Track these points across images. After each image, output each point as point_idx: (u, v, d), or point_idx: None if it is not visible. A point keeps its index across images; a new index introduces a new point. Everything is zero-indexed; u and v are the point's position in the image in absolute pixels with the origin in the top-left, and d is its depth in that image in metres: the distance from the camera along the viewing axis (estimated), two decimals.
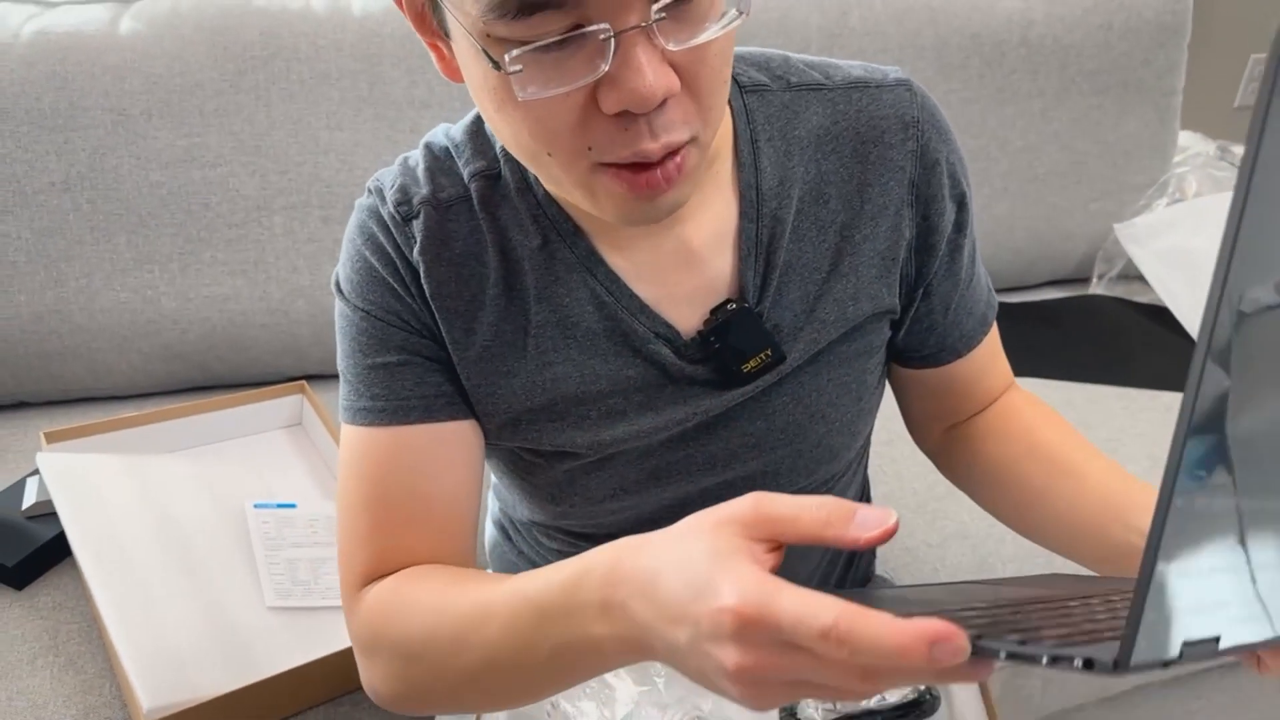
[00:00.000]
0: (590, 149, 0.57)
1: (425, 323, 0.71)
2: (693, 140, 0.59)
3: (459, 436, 0.73)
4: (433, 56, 0.64)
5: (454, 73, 0.63)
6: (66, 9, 1.25)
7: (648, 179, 0.58)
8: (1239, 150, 2.03)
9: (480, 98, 0.60)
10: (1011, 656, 0.37)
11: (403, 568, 0.71)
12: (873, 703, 0.77)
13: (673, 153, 0.58)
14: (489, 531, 1.01)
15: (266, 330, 1.35)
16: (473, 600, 0.62)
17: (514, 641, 0.58)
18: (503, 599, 0.59)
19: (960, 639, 0.38)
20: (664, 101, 0.55)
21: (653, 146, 0.56)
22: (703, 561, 0.47)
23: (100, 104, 1.23)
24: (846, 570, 0.93)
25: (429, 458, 0.72)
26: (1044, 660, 0.35)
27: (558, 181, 0.62)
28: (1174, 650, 0.33)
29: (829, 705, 0.77)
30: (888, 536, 0.45)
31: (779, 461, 0.77)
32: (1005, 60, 1.51)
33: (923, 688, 0.77)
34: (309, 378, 1.36)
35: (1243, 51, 2.70)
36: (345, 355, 0.73)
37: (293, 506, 1.14)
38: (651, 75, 0.53)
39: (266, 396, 1.27)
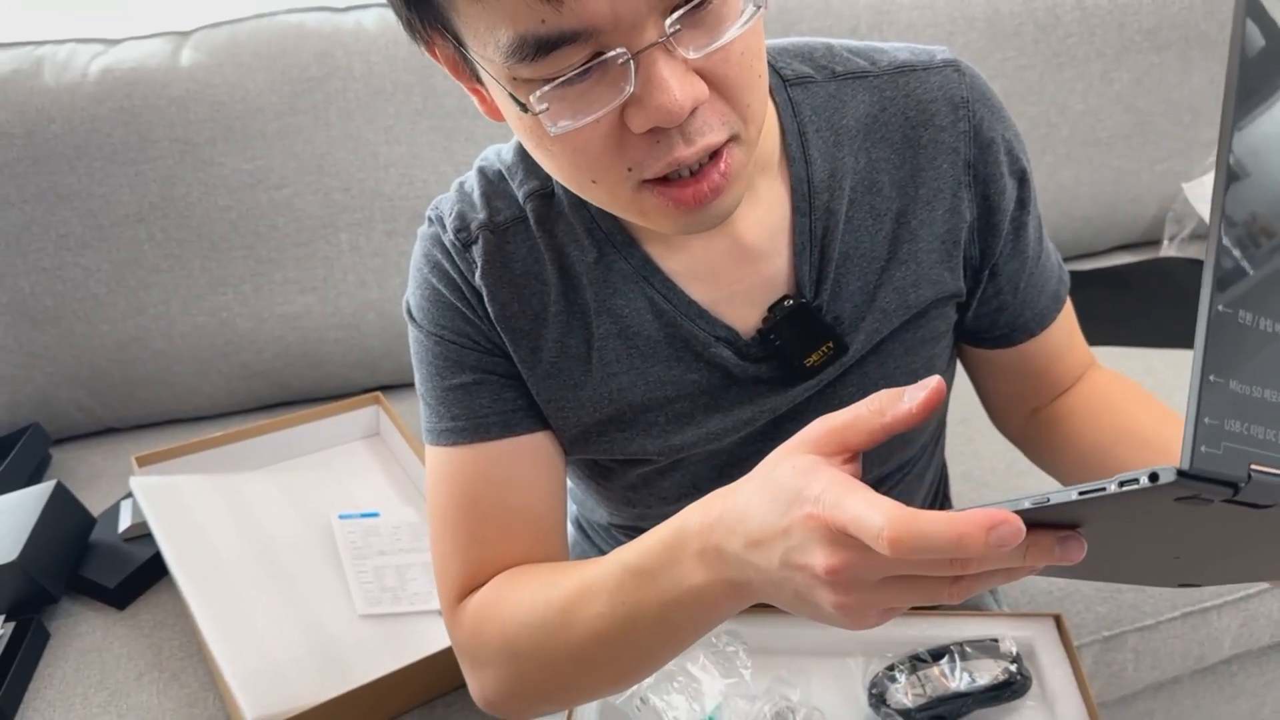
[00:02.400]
0: (630, 170, 0.57)
1: (495, 342, 0.72)
2: (734, 139, 0.58)
3: (539, 447, 0.74)
4: (474, 100, 0.65)
5: (496, 113, 0.63)
6: (130, 45, 1.29)
7: (694, 193, 0.58)
8: None
9: (521, 136, 0.61)
10: (1082, 494, 0.37)
11: (496, 573, 0.72)
12: (963, 685, 0.76)
13: (715, 158, 0.58)
14: (569, 532, 1.02)
15: (339, 345, 1.38)
16: (575, 581, 0.63)
17: (621, 610, 0.59)
18: (605, 573, 0.61)
19: (1014, 520, 0.39)
20: (696, 111, 0.55)
21: (687, 153, 0.56)
22: (785, 479, 0.49)
23: (167, 135, 1.26)
24: None
25: (513, 470, 0.73)
26: (1111, 488, 0.36)
27: (607, 205, 0.63)
28: (1240, 471, 0.34)
29: (919, 690, 0.77)
30: (938, 395, 0.47)
31: None
32: (1060, 24, 1.48)
33: (1013, 668, 0.77)
34: (383, 388, 1.39)
35: None
36: (423, 380, 0.74)
37: (376, 515, 1.16)
38: (677, 89, 0.53)
39: (343, 409, 1.30)
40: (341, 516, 1.15)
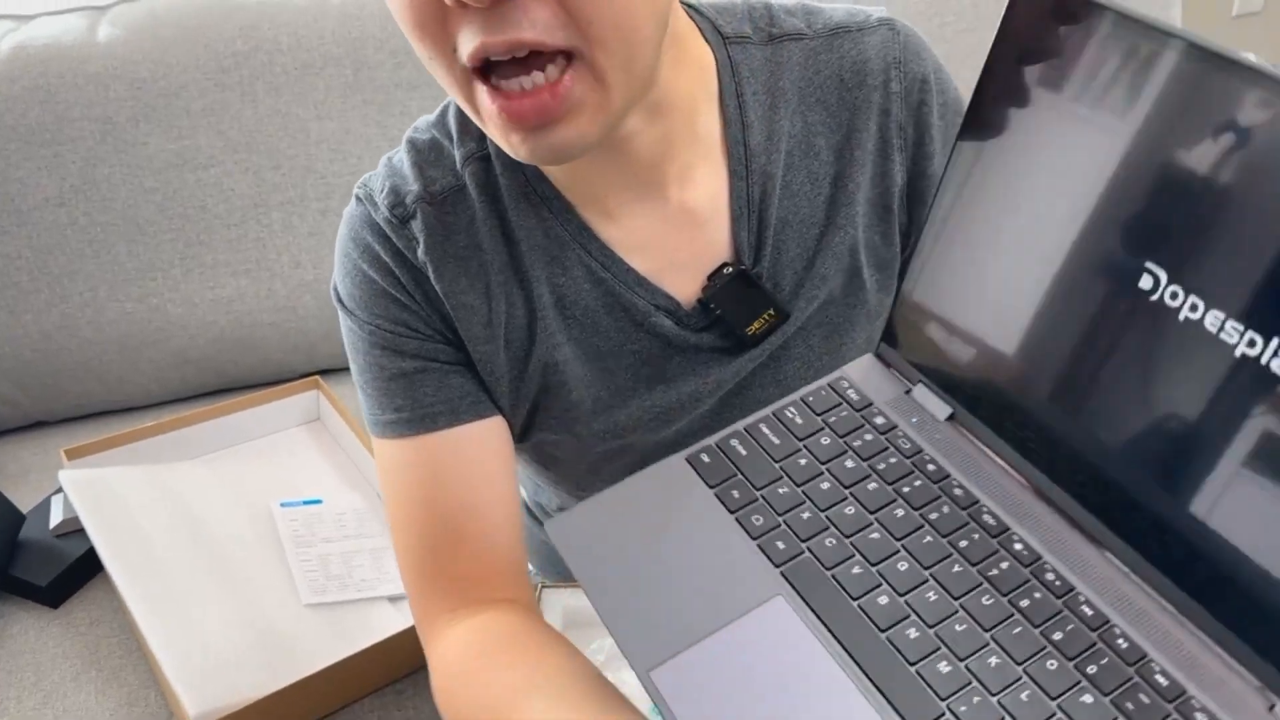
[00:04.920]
0: (455, 49, 0.54)
1: (437, 327, 0.69)
2: (577, 59, 0.54)
3: (489, 435, 0.71)
4: None
5: None
6: (43, 21, 1.24)
7: (516, 107, 0.54)
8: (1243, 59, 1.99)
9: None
10: None
11: (459, 580, 0.69)
12: None
13: (553, 76, 0.54)
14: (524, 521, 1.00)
15: (275, 329, 1.35)
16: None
17: None
18: None
19: None
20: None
21: (493, 39, 0.52)
22: None
23: (86, 114, 1.21)
24: None
25: (463, 461, 0.70)
26: None
27: (453, 94, 0.59)
28: None
29: None
30: None
31: None
32: None
33: None
34: (322, 372, 1.36)
35: None
36: (361, 370, 0.71)
37: (319, 502, 1.13)
38: None
39: (282, 395, 1.27)
40: (283, 504, 1.12)
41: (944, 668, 0.45)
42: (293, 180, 1.29)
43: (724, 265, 0.69)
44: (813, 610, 0.48)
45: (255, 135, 1.26)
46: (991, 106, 0.53)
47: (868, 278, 0.72)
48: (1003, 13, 0.51)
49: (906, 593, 0.48)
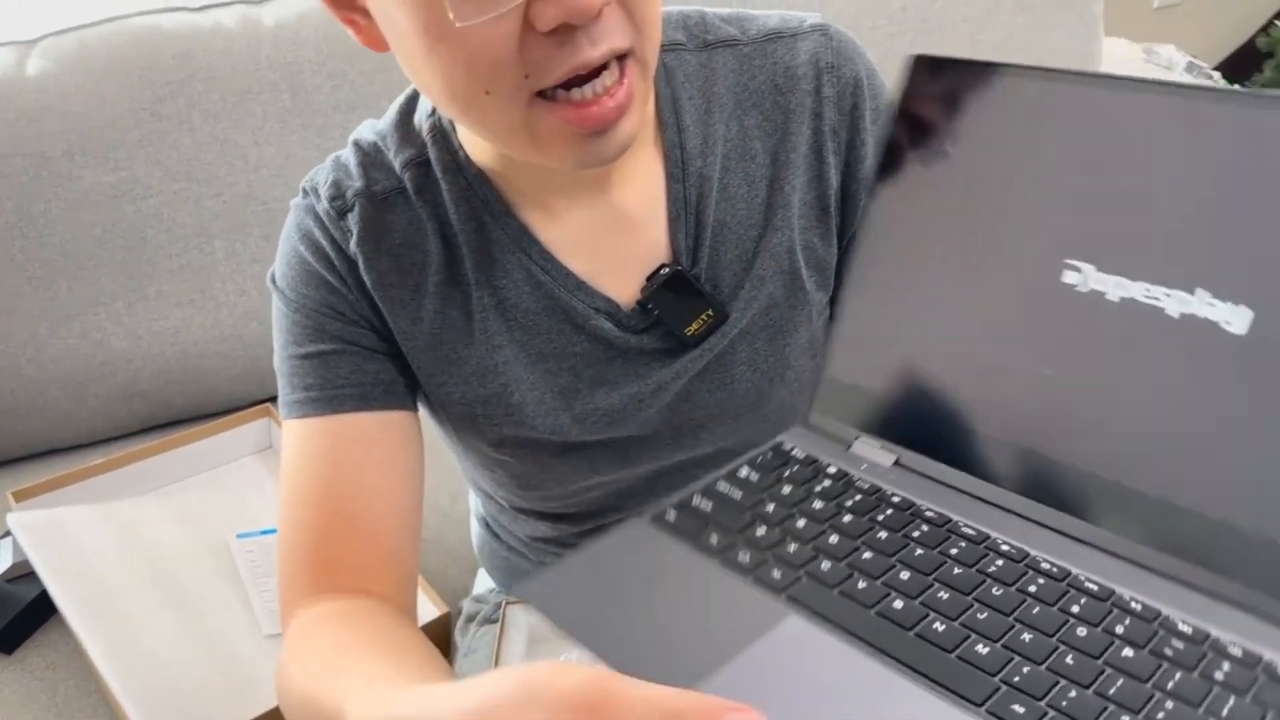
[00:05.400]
0: (528, 77, 0.56)
1: (364, 314, 0.70)
2: (632, 56, 0.58)
3: (396, 426, 0.71)
4: (351, 33, 0.62)
5: (375, 42, 0.62)
6: None
7: (598, 111, 0.57)
8: (1164, 51, 2.05)
9: (409, 49, 0.58)
10: None
11: (336, 570, 0.68)
12: None
13: (619, 78, 0.57)
14: (475, 529, 1.00)
15: (223, 358, 1.33)
16: (324, 689, 0.57)
17: None
18: (331, 702, 0.55)
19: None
20: (599, 12, 0.54)
21: (593, 54, 0.55)
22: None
23: (19, 150, 1.19)
24: None
25: (362, 447, 0.69)
26: None
27: (498, 129, 0.60)
28: None
29: None
30: None
31: (749, 431, 0.76)
32: None
33: None
34: (272, 399, 1.34)
35: None
36: (280, 348, 0.71)
37: (276, 531, 1.12)
38: None
39: (233, 424, 1.26)
40: (239, 536, 1.11)
41: (983, 649, 0.45)
42: (234, 207, 1.27)
43: (662, 266, 0.70)
44: (831, 622, 0.47)
45: (194, 164, 1.25)
46: (893, 172, 0.58)
47: (807, 279, 0.74)
48: (897, 87, 0.57)
49: (919, 595, 0.48)
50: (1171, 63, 2.01)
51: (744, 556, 0.51)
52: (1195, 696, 0.42)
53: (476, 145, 0.69)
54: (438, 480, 0.91)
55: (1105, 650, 0.44)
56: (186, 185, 1.25)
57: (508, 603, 0.88)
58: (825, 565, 0.50)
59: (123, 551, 1.04)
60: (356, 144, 0.72)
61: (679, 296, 0.70)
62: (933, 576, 0.49)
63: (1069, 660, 0.44)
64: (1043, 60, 1.61)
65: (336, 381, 0.70)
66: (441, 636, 1.02)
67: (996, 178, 0.54)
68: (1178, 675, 0.43)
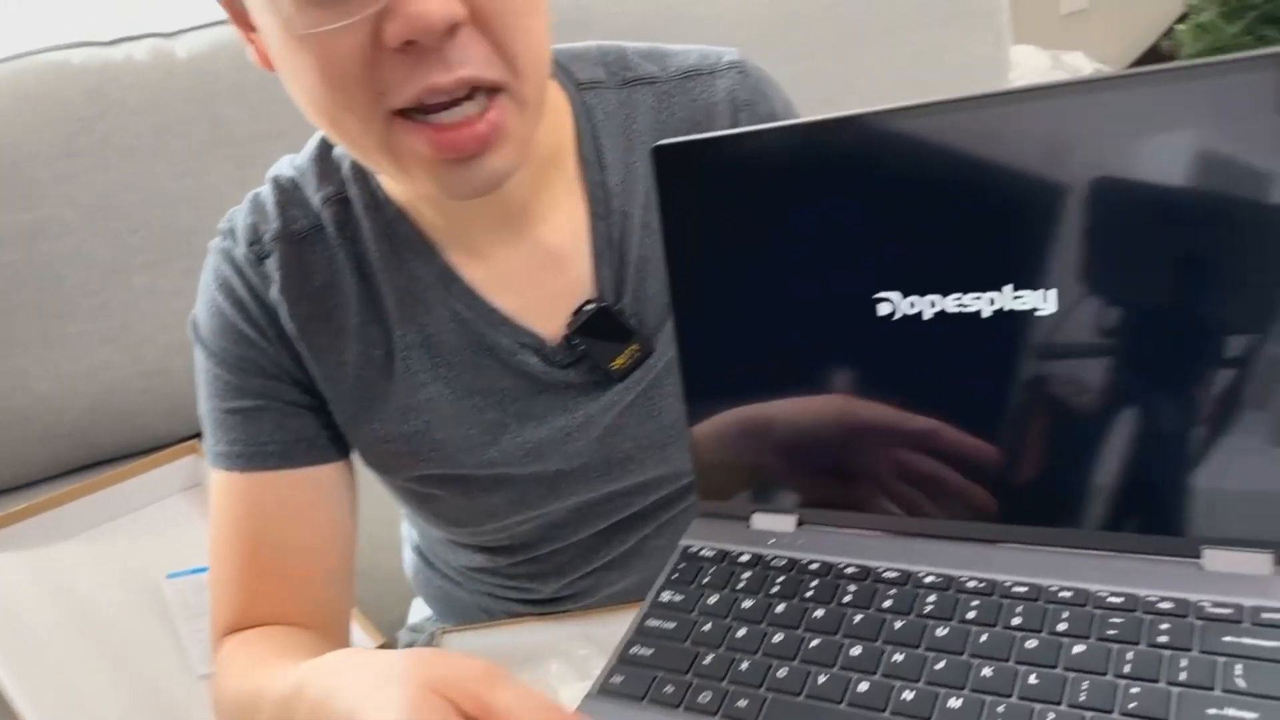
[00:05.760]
0: (383, 95, 0.55)
1: (285, 367, 0.70)
2: (503, 91, 0.57)
3: (321, 482, 0.72)
4: (249, 52, 0.63)
5: (266, 60, 0.62)
6: None
7: (453, 138, 0.56)
8: (1070, 58, 2.11)
9: (277, 60, 0.58)
10: None
11: (264, 618, 0.70)
12: None
13: (484, 108, 0.56)
14: (408, 558, 1.00)
15: (147, 395, 1.31)
16: (267, 678, 0.61)
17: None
18: (279, 683, 0.58)
19: None
20: (455, 34, 0.53)
21: (445, 79, 0.54)
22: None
23: None
24: None
25: (287, 505, 0.71)
26: None
27: (362, 148, 0.60)
28: None
29: None
30: None
31: (677, 461, 0.77)
32: (838, 6, 1.54)
33: None
34: (199, 435, 1.32)
35: None
36: (204, 399, 0.72)
37: (207, 570, 1.11)
38: (432, 1, 0.51)
39: (160, 462, 1.23)
40: (170, 576, 1.09)
41: (955, 703, 0.46)
42: (153, 243, 1.26)
43: (587, 302, 0.71)
44: None
45: (111, 200, 1.23)
46: (686, 261, 0.59)
47: None
48: (653, 182, 0.58)
49: (877, 668, 0.49)
50: (1079, 70, 2.07)
51: (704, 696, 0.50)
52: (1151, 672, 0.44)
53: (394, 183, 0.69)
54: (371, 508, 0.91)
55: (1059, 655, 0.46)
56: (104, 222, 1.23)
57: (444, 631, 0.88)
58: (783, 673, 0.50)
59: (49, 599, 1.02)
60: (275, 181, 0.71)
61: (604, 331, 0.71)
62: (880, 640, 0.50)
63: (1033, 680, 0.45)
64: (958, 73, 1.65)
65: (260, 438, 0.70)
66: None
67: (784, 238, 0.56)
68: (1129, 655, 0.45)
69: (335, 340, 0.70)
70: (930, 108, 0.51)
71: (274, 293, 0.69)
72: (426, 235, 0.70)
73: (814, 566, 0.56)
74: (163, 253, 1.26)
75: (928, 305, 0.52)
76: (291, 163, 0.72)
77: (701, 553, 0.59)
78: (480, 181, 0.59)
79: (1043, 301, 0.49)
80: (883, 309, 0.53)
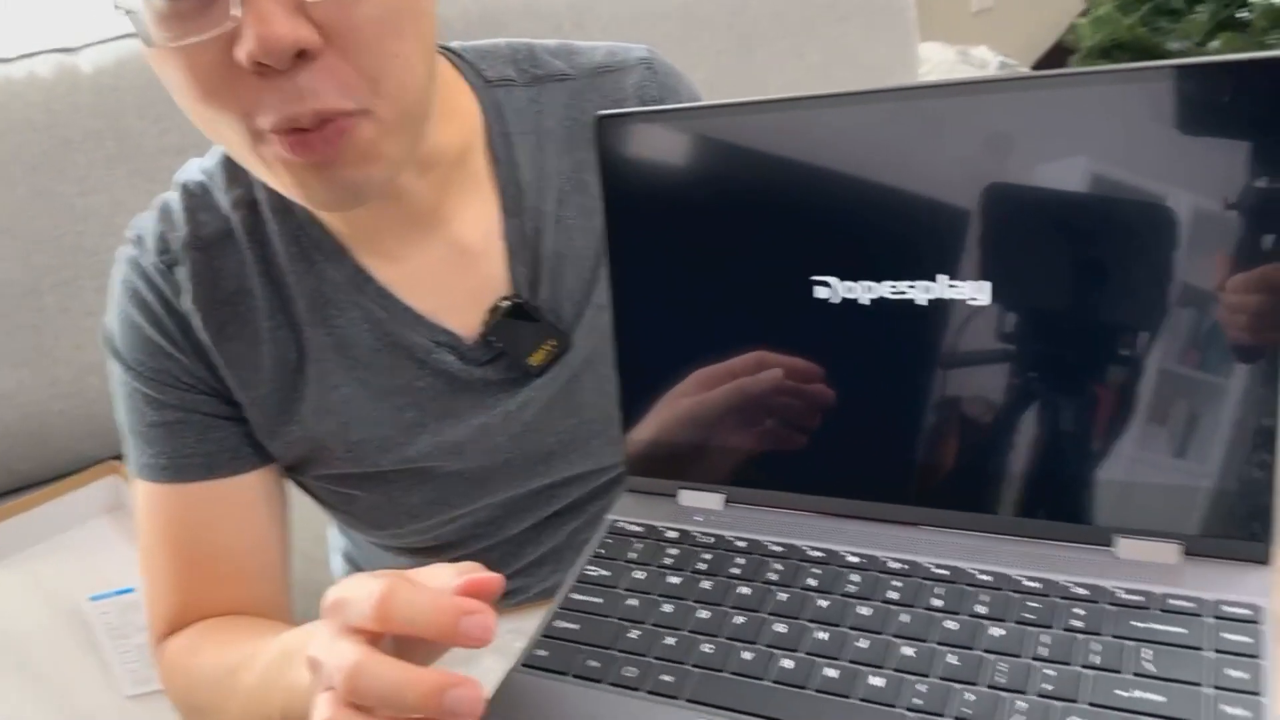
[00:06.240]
0: (248, 114, 0.55)
1: (200, 376, 0.70)
2: (364, 113, 0.56)
3: (247, 489, 0.72)
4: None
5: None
6: None
7: (304, 141, 0.55)
8: (977, 52, 2.17)
9: (163, 78, 0.58)
10: None
11: (206, 616, 0.71)
12: None
13: (341, 124, 0.56)
14: (338, 566, 0.99)
15: (63, 417, 1.28)
16: (248, 647, 0.63)
17: (264, 684, 0.59)
18: (264, 645, 0.61)
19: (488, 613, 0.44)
20: (310, 62, 0.53)
21: (299, 110, 0.54)
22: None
23: None
24: None
25: (218, 513, 0.71)
26: None
27: (238, 154, 0.59)
28: None
29: None
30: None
31: (600, 455, 0.78)
32: (748, 7, 1.56)
33: None
34: (119, 456, 1.30)
35: None
36: (123, 413, 0.72)
37: (132, 590, 1.09)
38: (278, 23, 0.51)
39: (79, 484, 1.22)
40: (93, 598, 1.07)
41: (877, 681, 0.46)
42: (63, 261, 1.23)
43: (502, 298, 0.71)
44: (736, 712, 0.47)
45: (17, 219, 1.21)
46: (625, 234, 0.59)
47: None
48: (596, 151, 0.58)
49: (799, 645, 0.49)
50: (985, 63, 2.12)
51: (629, 671, 0.50)
52: (1064, 655, 0.45)
53: None
54: (299, 522, 0.90)
55: (977, 637, 0.47)
56: (10, 242, 1.21)
57: None
58: (707, 648, 0.50)
59: None
60: (183, 187, 0.71)
61: (521, 328, 0.71)
62: (804, 619, 0.50)
63: (952, 660, 0.46)
64: (868, 69, 1.69)
65: (183, 451, 0.70)
66: None
67: (724, 214, 0.56)
68: (1045, 638, 0.46)
69: (248, 346, 0.69)
70: (877, 95, 0.52)
71: (186, 302, 0.68)
72: (337, 237, 0.69)
73: (740, 544, 0.56)
74: (73, 271, 1.24)
75: (863, 291, 0.53)
76: (200, 166, 0.72)
77: (628, 528, 0.59)
78: (340, 192, 0.59)
79: (976, 292, 0.50)
80: (820, 292, 0.54)
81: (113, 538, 1.20)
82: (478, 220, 0.71)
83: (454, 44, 0.74)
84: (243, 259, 0.69)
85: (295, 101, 0.53)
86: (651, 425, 0.61)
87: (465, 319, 0.71)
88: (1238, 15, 1.90)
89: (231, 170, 0.70)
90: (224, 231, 0.69)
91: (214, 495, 0.71)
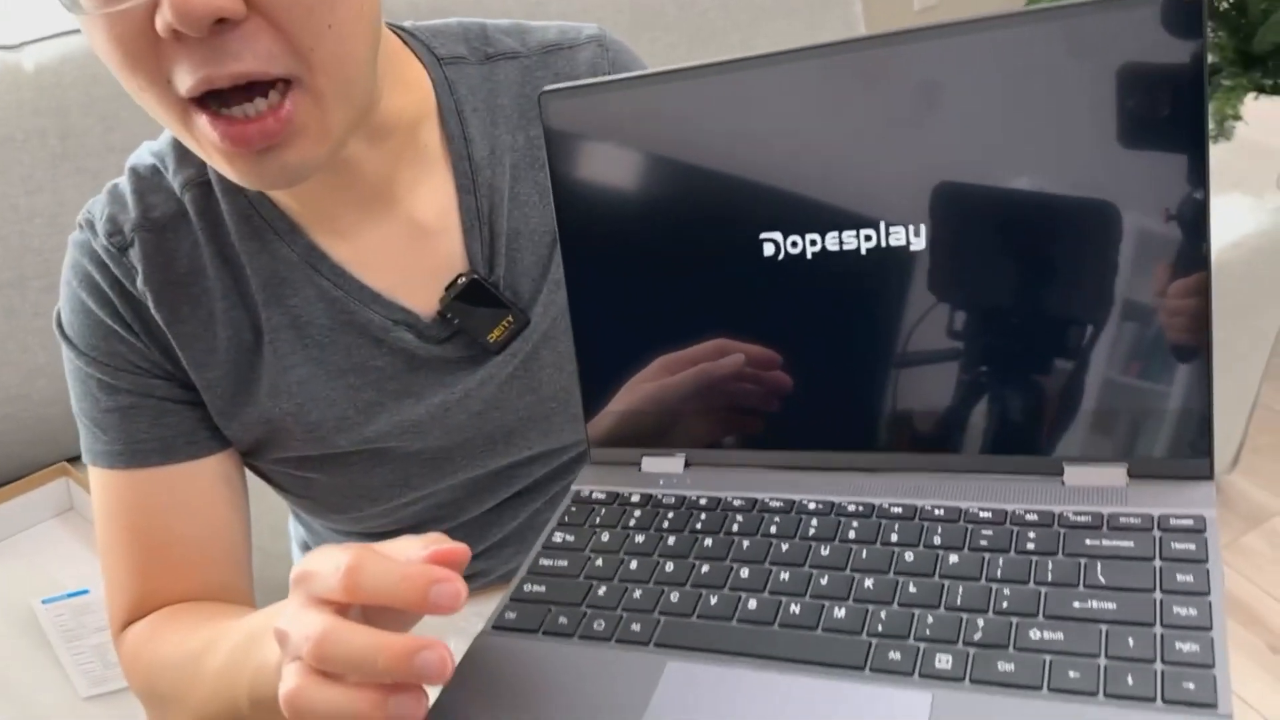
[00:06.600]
0: (170, 82, 0.54)
1: (154, 360, 0.69)
2: (295, 84, 0.56)
3: (204, 474, 0.72)
4: None
5: None
6: None
7: (241, 133, 0.55)
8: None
9: (95, 49, 0.57)
10: None
11: (166, 603, 0.70)
12: None
13: (275, 100, 0.55)
14: (298, 558, 0.99)
15: (10, 420, 1.26)
16: (211, 631, 0.63)
17: (230, 666, 0.58)
18: (229, 628, 0.61)
19: (456, 580, 0.44)
20: (232, 29, 0.52)
21: (216, 71, 0.53)
22: None
23: None
24: None
25: (175, 497, 0.71)
26: None
27: (170, 127, 0.59)
28: None
29: None
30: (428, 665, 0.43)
31: (561, 433, 0.78)
32: (697, 2, 1.58)
33: None
34: (70, 459, 1.28)
35: None
36: (78, 399, 0.71)
37: (86, 592, 1.07)
38: None
39: (28, 488, 1.20)
40: (45, 601, 1.06)
41: (840, 613, 0.47)
42: (8, 261, 1.21)
43: (459, 276, 0.71)
44: (706, 651, 0.48)
45: None
46: (574, 204, 0.61)
47: None
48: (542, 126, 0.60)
49: (765, 586, 0.50)
50: None
51: (599, 624, 0.51)
52: (1021, 575, 0.47)
53: None
54: (258, 517, 0.90)
55: (936, 565, 0.49)
56: None
57: None
58: (675, 597, 0.51)
59: None
60: (134, 169, 0.70)
61: (479, 305, 0.71)
62: (767, 562, 0.51)
63: (911, 589, 0.48)
64: None
65: (138, 436, 0.69)
66: None
67: (670, 182, 0.58)
68: (1000, 562, 0.48)
69: (203, 327, 0.69)
70: (809, 51, 0.53)
71: (138, 284, 0.68)
72: (290, 215, 0.69)
73: (703, 501, 0.57)
74: (18, 272, 1.22)
75: (808, 244, 0.54)
76: (150, 149, 0.71)
77: (593, 495, 0.60)
78: (276, 174, 0.58)
79: (913, 236, 0.52)
80: (767, 249, 0.55)
81: (64, 540, 1.18)
82: (433, 197, 0.71)
83: (405, 23, 0.74)
84: (195, 240, 0.69)
85: (212, 63, 0.52)
86: (613, 407, 0.62)
87: (422, 297, 0.71)
88: None
89: (181, 151, 0.69)
90: (176, 213, 0.69)
91: (171, 481, 0.70)
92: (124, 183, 0.70)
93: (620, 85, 0.58)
